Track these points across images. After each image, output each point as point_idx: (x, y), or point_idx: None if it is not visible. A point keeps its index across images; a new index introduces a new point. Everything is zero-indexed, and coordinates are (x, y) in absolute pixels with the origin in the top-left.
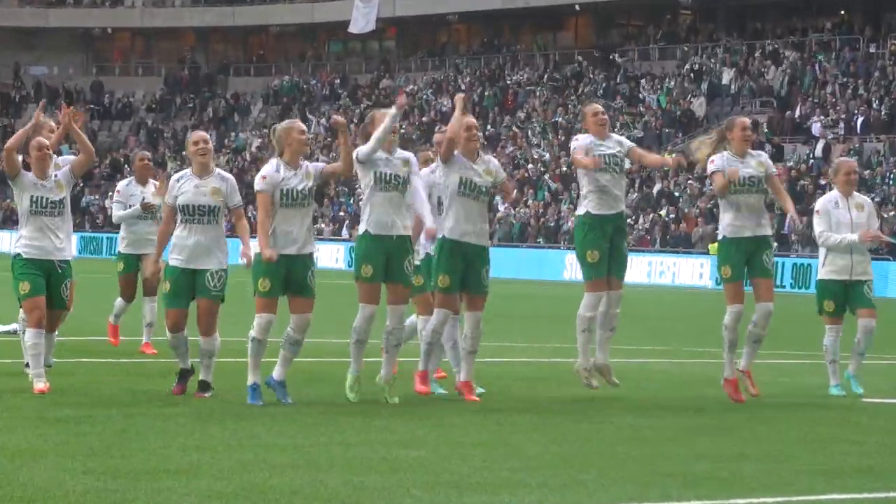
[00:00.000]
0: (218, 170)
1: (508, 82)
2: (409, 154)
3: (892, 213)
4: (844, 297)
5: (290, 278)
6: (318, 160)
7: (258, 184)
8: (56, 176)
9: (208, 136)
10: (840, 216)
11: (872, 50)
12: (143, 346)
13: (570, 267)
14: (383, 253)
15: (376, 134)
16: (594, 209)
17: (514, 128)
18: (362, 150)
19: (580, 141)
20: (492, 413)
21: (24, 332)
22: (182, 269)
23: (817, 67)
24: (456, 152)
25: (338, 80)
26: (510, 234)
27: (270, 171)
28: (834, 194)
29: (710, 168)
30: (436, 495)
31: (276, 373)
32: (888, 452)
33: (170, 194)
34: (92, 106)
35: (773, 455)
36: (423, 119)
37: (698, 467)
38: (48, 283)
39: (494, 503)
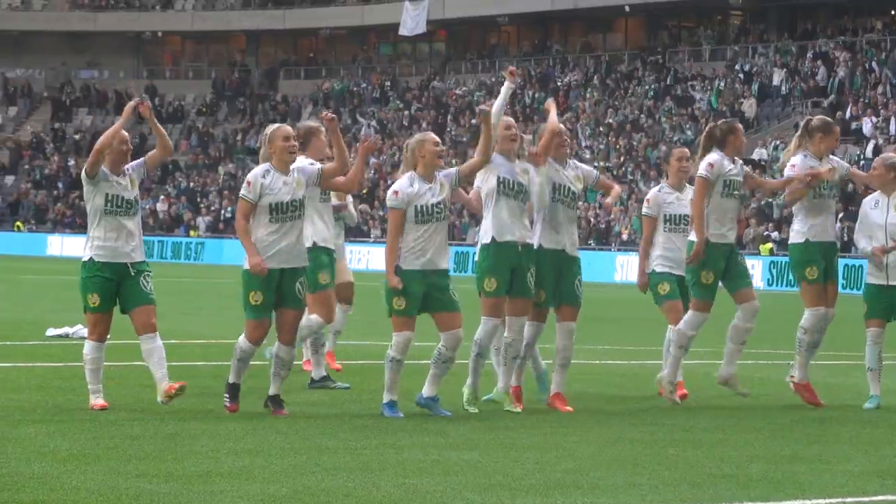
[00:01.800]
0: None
1: (559, 84)
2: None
3: None
4: (888, 302)
5: (429, 295)
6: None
7: (390, 199)
8: (129, 170)
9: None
10: (875, 217)
11: None
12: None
13: (620, 269)
14: (508, 264)
15: (494, 110)
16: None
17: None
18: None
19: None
20: (544, 415)
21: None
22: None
23: (868, 67)
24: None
25: (388, 83)
26: None
27: (404, 187)
28: (875, 194)
29: (789, 172)
30: (488, 497)
31: (427, 390)
32: None
33: (253, 192)
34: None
35: (826, 457)
36: (473, 121)
37: (751, 469)
38: (120, 287)
39: None
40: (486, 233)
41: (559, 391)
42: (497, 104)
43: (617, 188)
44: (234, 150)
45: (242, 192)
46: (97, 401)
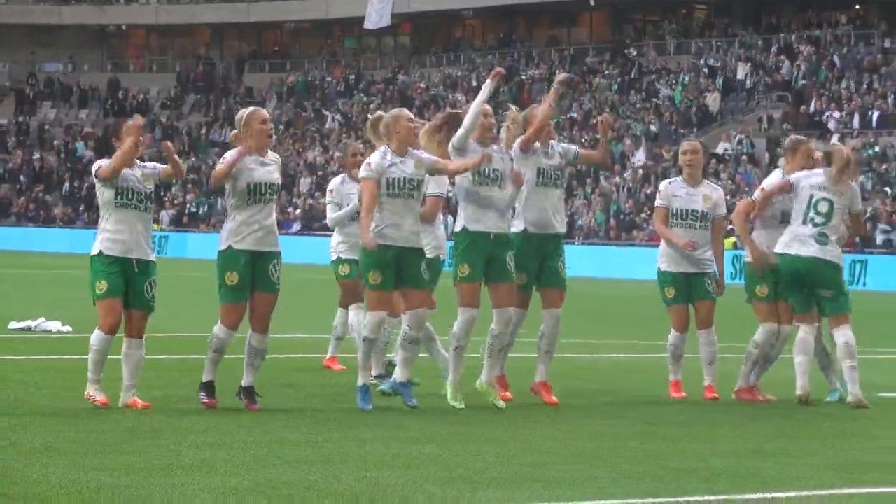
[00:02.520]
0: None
1: (524, 77)
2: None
3: None
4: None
5: (399, 271)
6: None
7: (363, 170)
8: (145, 168)
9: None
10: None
11: (887, 44)
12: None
13: (580, 262)
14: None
15: (470, 113)
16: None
17: None
18: (457, 135)
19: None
20: (505, 409)
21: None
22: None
23: (832, 62)
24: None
25: (352, 76)
26: None
27: (377, 159)
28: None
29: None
30: (449, 491)
31: (399, 374)
32: None
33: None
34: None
35: (789, 450)
36: (439, 115)
37: (713, 463)
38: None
39: (508, 499)
40: (459, 222)
41: (545, 380)
42: (478, 100)
43: (601, 146)
44: (198, 144)
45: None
46: (96, 395)
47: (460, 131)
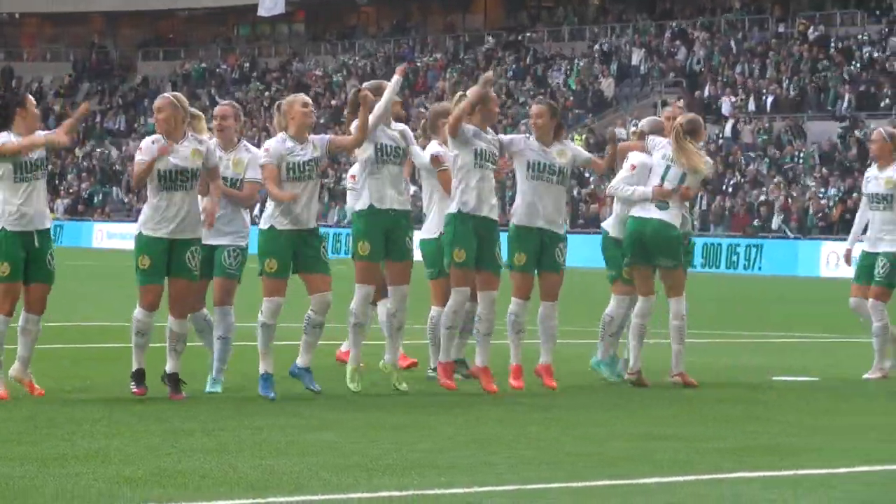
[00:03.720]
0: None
1: (419, 64)
2: (403, 126)
3: (806, 192)
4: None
5: (299, 254)
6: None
7: (263, 156)
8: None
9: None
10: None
11: (781, 29)
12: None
13: None
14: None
15: (379, 105)
16: None
17: (422, 109)
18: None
19: None
20: (402, 395)
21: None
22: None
23: (727, 47)
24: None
25: (247, 64)
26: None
27: (275, 144)
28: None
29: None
30: (345, 478)
31: (300, 359)
32: (796, 431)
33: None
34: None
35: (684, 434)
36: (333, 103)
37: (610, 447)
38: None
39: (404, 485)
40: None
41: (485, 365)
42: (387, 96)
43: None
44: (92, 132)
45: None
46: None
47: (371, 119)
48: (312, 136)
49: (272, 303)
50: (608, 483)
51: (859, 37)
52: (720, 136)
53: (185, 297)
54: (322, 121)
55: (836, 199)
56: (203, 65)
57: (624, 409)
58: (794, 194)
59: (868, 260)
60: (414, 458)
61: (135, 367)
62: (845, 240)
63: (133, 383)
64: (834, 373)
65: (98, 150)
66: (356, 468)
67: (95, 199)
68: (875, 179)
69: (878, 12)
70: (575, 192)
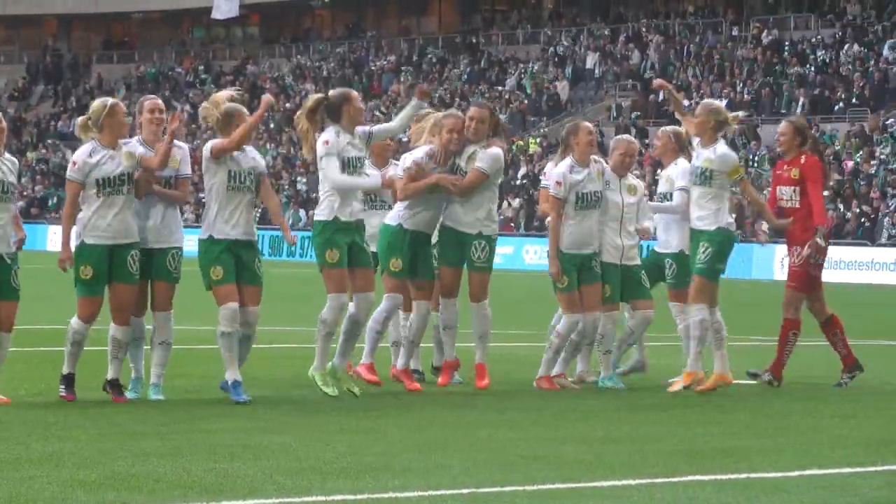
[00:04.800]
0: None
1: (373, 68)
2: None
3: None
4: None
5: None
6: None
7: (69, 170)
8: None
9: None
10: (611, 196)
11: (735, 33)
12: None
13: None
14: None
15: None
16: None
17: (377, 113)
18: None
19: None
20: (355, 399)
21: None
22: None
23: (681, 50)
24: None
25: (202, 67)
26: None
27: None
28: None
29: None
30: (299, 481)
31: (228, 374)
32: (751, 433)
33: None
34: None
35: (637, 437)
36: (287, 105)
37: (563, 450)
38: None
39: (358, 488)
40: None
41: (406, 368)
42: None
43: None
44: (46, 135)
45: (68, 173)
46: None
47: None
48: (128, 144)
49: (227, 310)
50: (562, 486)
51: (813, 40)
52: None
53: (128, 303)
54: (272, 125)
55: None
56: (157, 67)
57: (577, 411)
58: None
59: (658, 260)
60: (368, 462)
61: (66, 370)
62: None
63: (63, 387)
64: (787, 375)
65: (52, 152)
66: (311, 471)
67: (50, 202)
68: (663, 179)
69: (831, 16)
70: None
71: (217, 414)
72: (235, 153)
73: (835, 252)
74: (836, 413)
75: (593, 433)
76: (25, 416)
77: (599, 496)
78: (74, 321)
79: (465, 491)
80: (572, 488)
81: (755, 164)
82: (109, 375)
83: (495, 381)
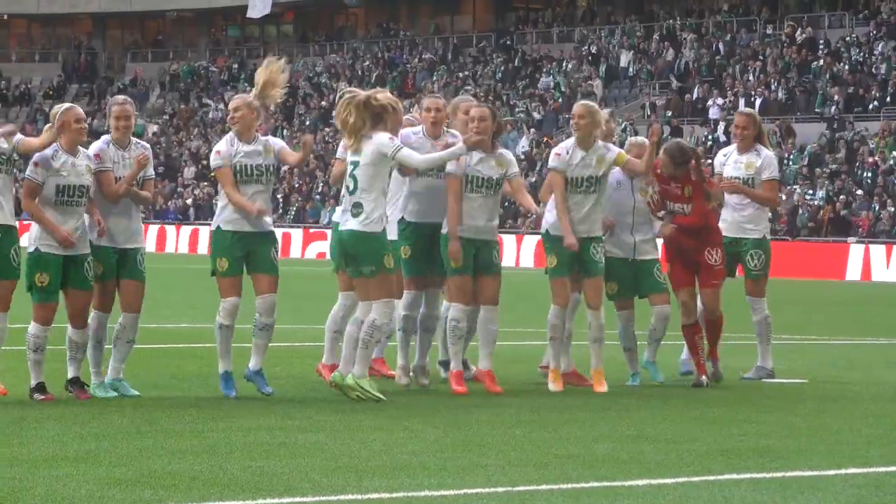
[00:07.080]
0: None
1: (408, 67)
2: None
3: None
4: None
5: (250, 255)
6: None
7: (214, 160)
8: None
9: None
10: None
11: (769, 31)
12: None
13: None
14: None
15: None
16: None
17: (411, 111)
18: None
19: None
20: (391, 397)
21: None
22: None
23: (715, 49)
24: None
25: (236, 66)
26: None
27: (224, 147)
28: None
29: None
30: (335, 479)
31: (252, 362)
32: (786, 433)
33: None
34: None
35: (672, 436)
36: (323, 104)
37: (597, 449)
38: None
39: (393, 487)
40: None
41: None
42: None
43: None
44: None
45: (27, 173)
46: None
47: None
48: (264, 137)
49: (228, 303)
50: (597, 485)
51: (847, 39)
52: (708, 138)
53: (85, 308)
54: (307, 123)
55: (824, 201)
56: (191, 66)
57: (611, 410)
58: (784, 197)
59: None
60: (403, 460)
61: (34, 382)
62: (836, 241)
63: (37, 394)
64: (821, 375)
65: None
66: (346, 470)
67: None
68: (743, 165)
69: (865, 13)
70: None
71: (253, 412)
72: (246, 149)
73: (873, 251)
74: (868, 412)
75: (627, 431)
76: (62, 413)
77: (635, 495)
78: (33, 326)
79: (500, 490)
80: (607, 487)
81: (790, 163)
82: (70, 375)
83: (528, 380)
